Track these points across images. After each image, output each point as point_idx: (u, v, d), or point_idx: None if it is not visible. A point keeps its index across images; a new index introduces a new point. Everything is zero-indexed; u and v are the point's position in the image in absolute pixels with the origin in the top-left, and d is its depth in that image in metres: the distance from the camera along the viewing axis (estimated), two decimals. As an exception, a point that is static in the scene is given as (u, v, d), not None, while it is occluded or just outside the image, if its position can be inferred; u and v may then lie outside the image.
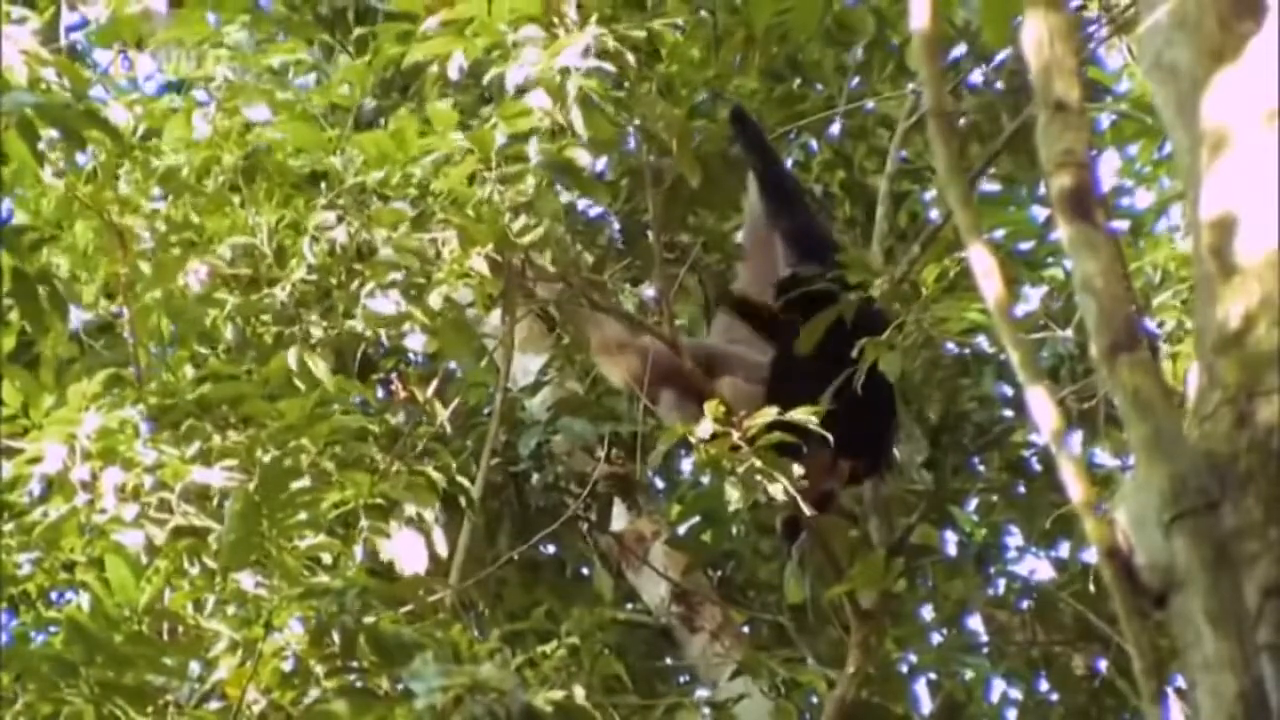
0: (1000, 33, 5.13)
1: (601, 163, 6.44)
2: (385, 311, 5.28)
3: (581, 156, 5.35)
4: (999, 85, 6.98)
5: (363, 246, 5.29)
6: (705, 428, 5.58)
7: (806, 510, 5.73)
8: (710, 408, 5.60)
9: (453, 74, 5.46)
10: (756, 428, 5.58)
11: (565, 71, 5.31)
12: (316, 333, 5.33)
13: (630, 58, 5.42)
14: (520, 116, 5.31)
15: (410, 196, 5.29)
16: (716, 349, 6.34)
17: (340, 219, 5.28)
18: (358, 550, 5.18)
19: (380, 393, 6.92)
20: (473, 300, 5.68)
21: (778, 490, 5.59)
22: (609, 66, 5.36)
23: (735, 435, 5.59)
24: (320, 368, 5.26)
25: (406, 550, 5.23)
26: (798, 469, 5.63)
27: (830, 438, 5.65)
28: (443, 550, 5.37)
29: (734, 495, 5.64)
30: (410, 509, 5.28)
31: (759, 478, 5.59)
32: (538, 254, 5.52)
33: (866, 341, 5.80)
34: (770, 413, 5.58)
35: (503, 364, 6.21)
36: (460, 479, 5.75)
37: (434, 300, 5.27)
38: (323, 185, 5.34)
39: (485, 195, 5.25)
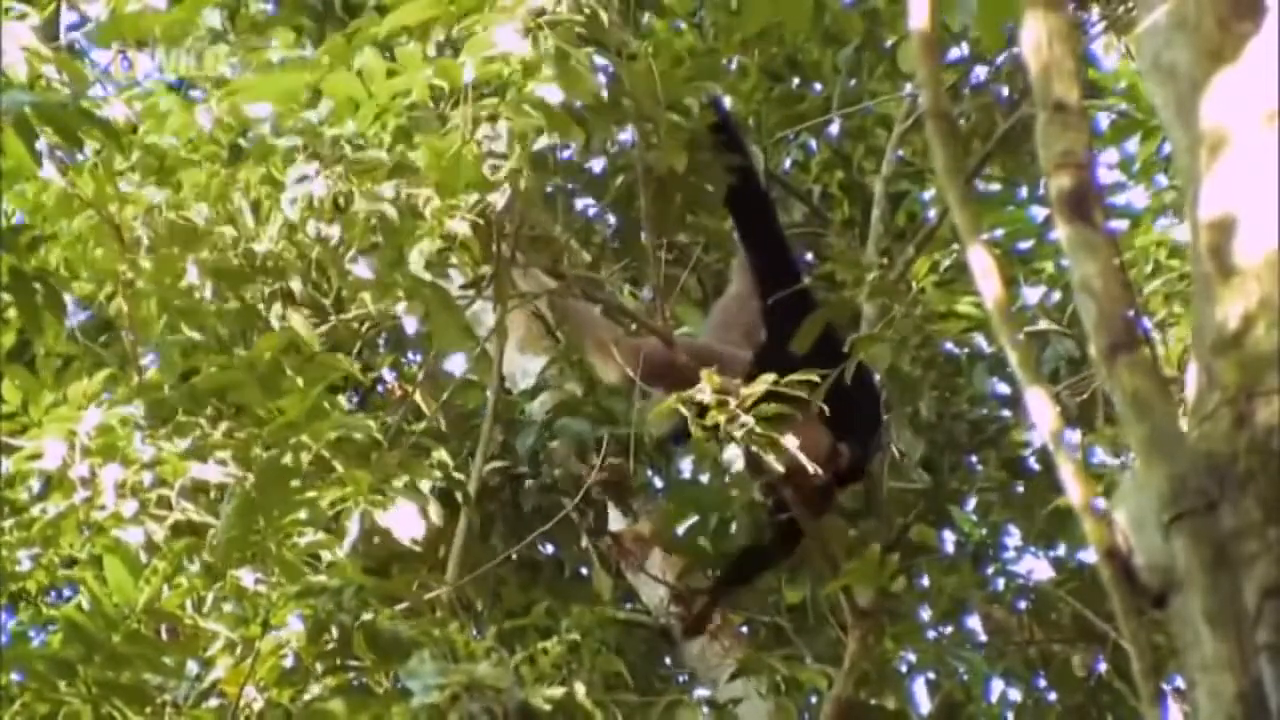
0: (996, 36, 5.13)
1: (599, 164, 6.44)
2: (367, 277, 5.20)
3: (551, 93, 5.26)
4: (995, 86, 6.97)
5: (339, 198, 5.21)
6: (701, 390, 5.57)
7: (809, 467, 5.73)
8: (706, 375, 5.60)
9: (430, 51, 5.39)
10: (753, 396, 5.58)
11: (540, 15, 5.22)
12: (296, 287, 5.25)
13: (603, 16, 5.34)
14: (487, 52, 5.16)
15: (385, 144, 5.21)
16: (710, 349, 6.34)
17: (317, 172, 5.19)
18: (354, 525, 5.12)
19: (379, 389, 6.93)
20: (464, 283, 5.65)
21: (773, 458, 5.59)
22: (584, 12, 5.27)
23: (733, 403, 5.59)
24: (299, 321, 5.19)
25: (402, 520, 5.18)
26: (792, 439, 5.63)
27: (825, 409, 5.69)
28: (438, 521, 5.32)
29: (733, 454, 5.63)
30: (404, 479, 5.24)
31: (754, 448, 5.58)
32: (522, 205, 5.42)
33: (858, 336, 5.85)
34: (768, 379, 5.58)
35: (495, 358, 6.19)
36: (457, 475, 5.73)
37: (414, 258, 5.20)
38: (299, 141, 5.26)
39: (455, 128, 5.14)
